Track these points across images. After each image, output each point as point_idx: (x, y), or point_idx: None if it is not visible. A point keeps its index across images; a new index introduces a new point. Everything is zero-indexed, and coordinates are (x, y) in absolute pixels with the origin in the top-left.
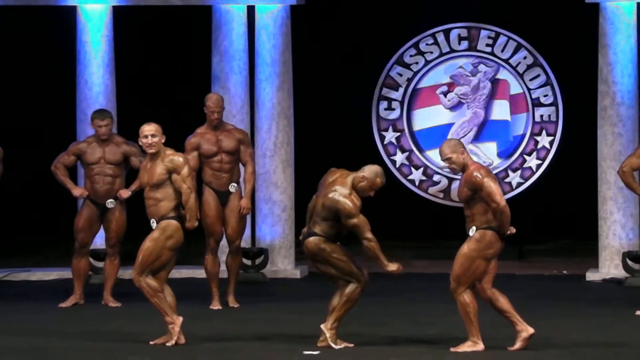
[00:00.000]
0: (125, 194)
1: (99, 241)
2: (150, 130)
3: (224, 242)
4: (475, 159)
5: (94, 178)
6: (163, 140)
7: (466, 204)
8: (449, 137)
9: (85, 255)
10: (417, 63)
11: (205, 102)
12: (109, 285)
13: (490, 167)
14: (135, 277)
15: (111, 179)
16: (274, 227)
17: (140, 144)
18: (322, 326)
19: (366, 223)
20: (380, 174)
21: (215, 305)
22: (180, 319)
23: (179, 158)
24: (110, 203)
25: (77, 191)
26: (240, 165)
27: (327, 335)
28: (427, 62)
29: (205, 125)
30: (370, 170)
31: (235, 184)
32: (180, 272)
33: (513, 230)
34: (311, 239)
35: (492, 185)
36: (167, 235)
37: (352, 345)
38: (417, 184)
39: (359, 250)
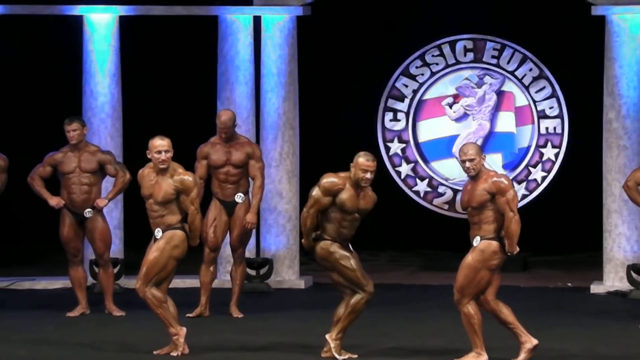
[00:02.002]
0: (102, 203)
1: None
2: (163, 146)
3: (228, 253)
4: None
5: (71, 188)
6: (172, 155)
7: (475, 210)
8: (454, 149)
9: (80, 264)
10: (422, 74)
11: (216, 119)
12: (109, 295)
13: None
14: (139, 287)
15: (87, 187)
16: (278, 237)
17: (149, 157)
18: (327, 336)
19: (316, 202)
20: (361, 154)
21: (194, 313)
22: (184, 329)
23: (189, 178)
24: (88, 213)
25: (53, 201)
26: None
27: (332, 345)
28: (432, 74)
29: (219, 136)
30: (354, 158)
31: (242, 195)
32: (184, 282)
33: (517, 249)
34: (321, 243)
35: (514, 194)
36: (173, 245)
37: (355, 356)
38: (422, 195)
39: (363, 258)
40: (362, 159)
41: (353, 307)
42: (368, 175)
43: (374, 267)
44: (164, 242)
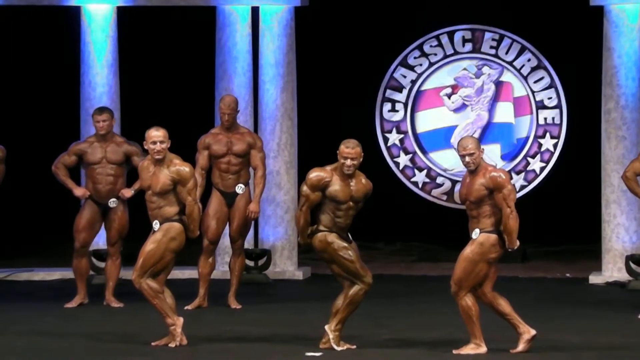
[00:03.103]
0: (127, 193)
1: (100, 241)
2: (158, 137)
3: (227, 244)
4: None
5: (96, 178)
6: (169, 146)
7: (473, 204)
8: (452, 139)
9: (85, 255)
10: (421, 65)
11: (219, 103)
12: (110, 286)
13: None
14: (135, 278)
15: (113, 178)
16: (277, 228)
17: (146, 147)
18: (326, 327)
19: (306, 199)
20: (343, 142)
21: (192, 305)
22: (181, 319)
23: (185, 169)
24: (112, 202)
25: (78, 191)
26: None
27: (331, 336)
28: (431, 64)
29: (219, 126)
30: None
31: (243, 185)
32: (183, 273)
33: (518, 243)
34: (319, 235)
35: (511, 189)
36: (170, 237)
37: (354, 346)
38: (420, 186)
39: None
40: (343, 146)
41: (352, 298)
42: (349, 162)
43: (372, 258)
44: (161, 234)
